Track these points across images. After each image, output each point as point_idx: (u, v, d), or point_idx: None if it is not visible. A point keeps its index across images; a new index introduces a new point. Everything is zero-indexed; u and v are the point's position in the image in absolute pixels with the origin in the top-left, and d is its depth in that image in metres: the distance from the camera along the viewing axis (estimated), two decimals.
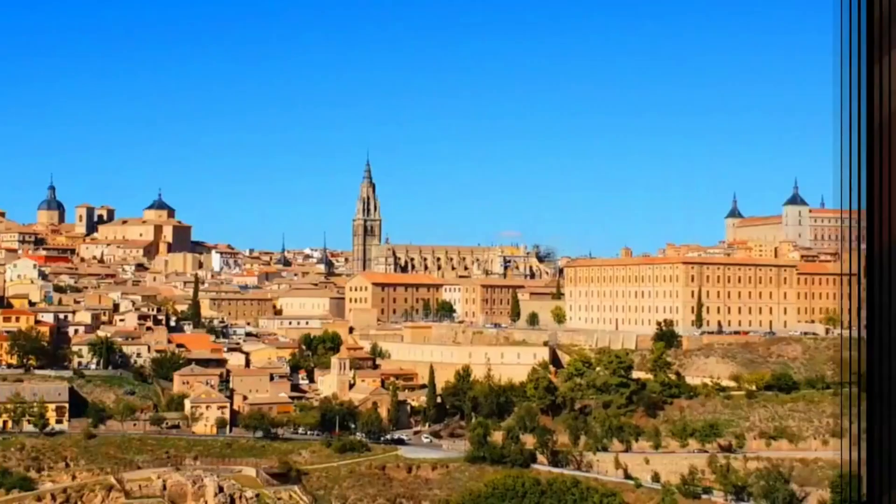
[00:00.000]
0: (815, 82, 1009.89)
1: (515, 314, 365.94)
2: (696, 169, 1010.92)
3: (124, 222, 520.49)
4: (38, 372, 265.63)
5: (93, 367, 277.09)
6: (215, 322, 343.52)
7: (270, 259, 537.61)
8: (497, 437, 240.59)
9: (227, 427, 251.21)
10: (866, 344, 31.65)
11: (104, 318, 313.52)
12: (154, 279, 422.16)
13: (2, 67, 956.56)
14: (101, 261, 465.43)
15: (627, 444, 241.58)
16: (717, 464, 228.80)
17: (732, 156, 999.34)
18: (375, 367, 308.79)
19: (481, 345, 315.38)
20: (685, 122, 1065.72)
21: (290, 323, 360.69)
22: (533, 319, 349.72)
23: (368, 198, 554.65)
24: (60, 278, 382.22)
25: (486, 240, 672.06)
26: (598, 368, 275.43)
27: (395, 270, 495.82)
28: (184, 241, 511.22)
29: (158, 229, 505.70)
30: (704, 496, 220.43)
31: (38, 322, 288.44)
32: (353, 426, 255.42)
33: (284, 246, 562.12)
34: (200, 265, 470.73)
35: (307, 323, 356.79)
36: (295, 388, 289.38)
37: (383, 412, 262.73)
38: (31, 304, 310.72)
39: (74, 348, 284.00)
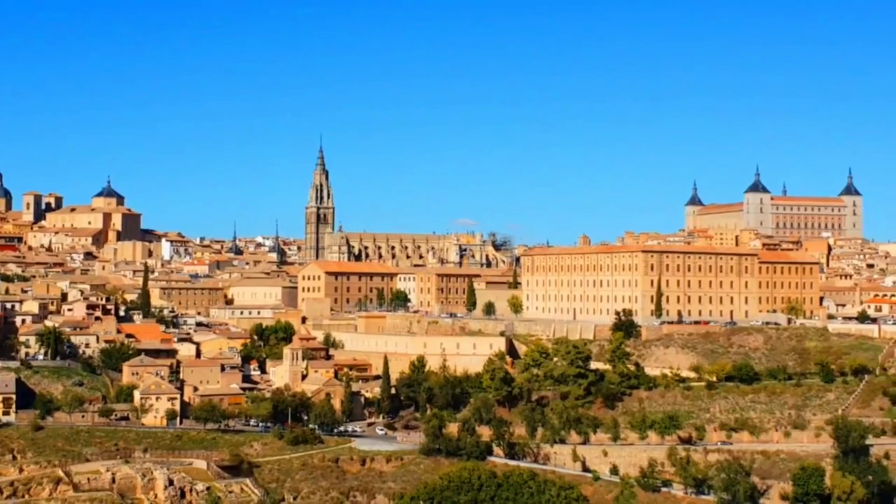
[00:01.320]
0: (779, 68, 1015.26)
1: (471, 304, 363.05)
2: (656, 156, 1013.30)
3: (73, 210, 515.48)
4: None
5: (40, 357, 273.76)
6: (165, 312, 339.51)
7: (221, 247, 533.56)
8: (452, 429, 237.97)
9: (178, 419, 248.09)
10: None
11: (52, 308, 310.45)
12: (103, 268, 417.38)
13: None
14: (48, 249, 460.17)
15: (585, 437, 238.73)
16: (676, 456, 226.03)
17: (692, 142, 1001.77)
18: (329, 357, 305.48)
19: (436, 335, 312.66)
20: (644, 109, 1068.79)
21: (241, 312, 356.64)
22: (489, 309, 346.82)
23: (321, 185, 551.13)
24: (7, 267, 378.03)
25: (441, 228, 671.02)
26: (555, 359, 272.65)
27: (349, 259, 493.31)
28: (133, 229, 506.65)
29: (107, 217, 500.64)
30: (664, 489, 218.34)
31: None
32: (305, 418, 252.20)
33: (236, 234, 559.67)
34: (150, 254, 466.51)
35: (259, 312, 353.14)
36: (246, 379, 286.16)
37: (336, 404, 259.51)
38: None
39: (22, 338, 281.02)
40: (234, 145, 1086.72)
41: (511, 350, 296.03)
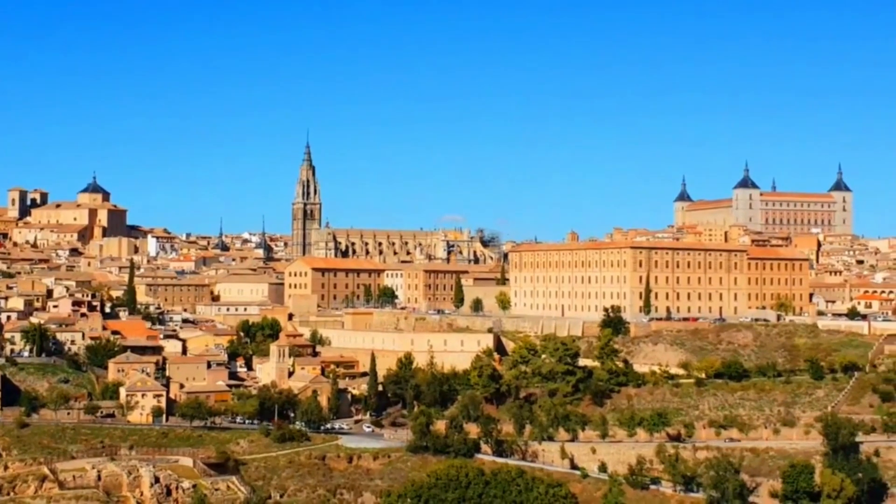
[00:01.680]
0: (768, 64, 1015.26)
1: (459, 300, 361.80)
2: (644, 151, 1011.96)
3: (58, 206, 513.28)
4: None
5: (26, 354, 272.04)
6: (151, 308, 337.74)
7: (208, 243, 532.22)
8: (440, 426, 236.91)
9: (164, 416, 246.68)
10: None
11: (37, 305, 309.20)
12: (89, 264, 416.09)
13: None
14: (34, 245, 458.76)
15: (574, 434, 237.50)
16: (665, 453, 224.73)
17: (681, 138, 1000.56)
18: (315, 354, 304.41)
19: (424, 331, 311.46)
20: (633, 104, 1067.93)
21: (227, 309, 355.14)
22: (477, 305, 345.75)
23: (308, 181, 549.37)
24: None
25: (428, 224, 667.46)
26: (543, 356, 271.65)
27: (336, 255, 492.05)
28: (119, 225, 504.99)
29: (93, 213, 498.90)
30: (653, 487, 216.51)
31: None
32: (292, 415, 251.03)
33: (222, 230, 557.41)
34: (136, 250, 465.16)
35: (245, 309, 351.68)
36: (233, 376, 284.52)
37: (323, 401, 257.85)
38: None
39: (7, 335, 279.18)
40: (220, 141, 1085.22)
41: (499, 347, 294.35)
